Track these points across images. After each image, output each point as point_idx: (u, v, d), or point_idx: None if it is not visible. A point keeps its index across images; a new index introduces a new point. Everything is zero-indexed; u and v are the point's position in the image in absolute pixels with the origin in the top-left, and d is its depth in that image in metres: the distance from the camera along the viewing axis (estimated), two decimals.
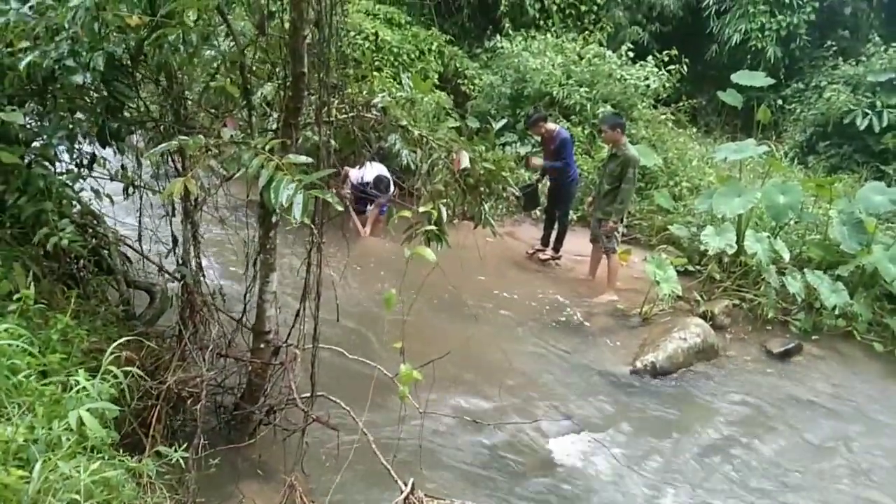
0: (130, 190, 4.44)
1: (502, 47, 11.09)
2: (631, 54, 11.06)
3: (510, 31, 11.65)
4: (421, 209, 3.45)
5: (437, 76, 10.50)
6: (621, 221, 7.28)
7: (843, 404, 5.90)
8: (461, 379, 5.47)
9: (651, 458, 4.88)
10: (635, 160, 7.09)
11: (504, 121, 10.31)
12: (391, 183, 7.92)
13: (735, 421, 5.47)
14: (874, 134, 11.49)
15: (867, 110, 11.59)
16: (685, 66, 10.94)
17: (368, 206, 8.32)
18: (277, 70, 3.75)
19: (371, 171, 7.81)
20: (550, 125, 8.04)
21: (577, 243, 8.38)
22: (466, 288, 7.07)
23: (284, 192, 2.69)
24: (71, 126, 3.82)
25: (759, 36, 13.16)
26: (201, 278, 4.32)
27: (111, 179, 4.47)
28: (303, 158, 2.92)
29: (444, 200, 3.65)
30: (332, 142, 3.92)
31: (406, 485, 3.46)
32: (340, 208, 2.88)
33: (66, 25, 3.31)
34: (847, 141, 11.95)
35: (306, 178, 2.75)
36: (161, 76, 3.86)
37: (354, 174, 7.75)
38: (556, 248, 8.32)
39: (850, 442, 5.34)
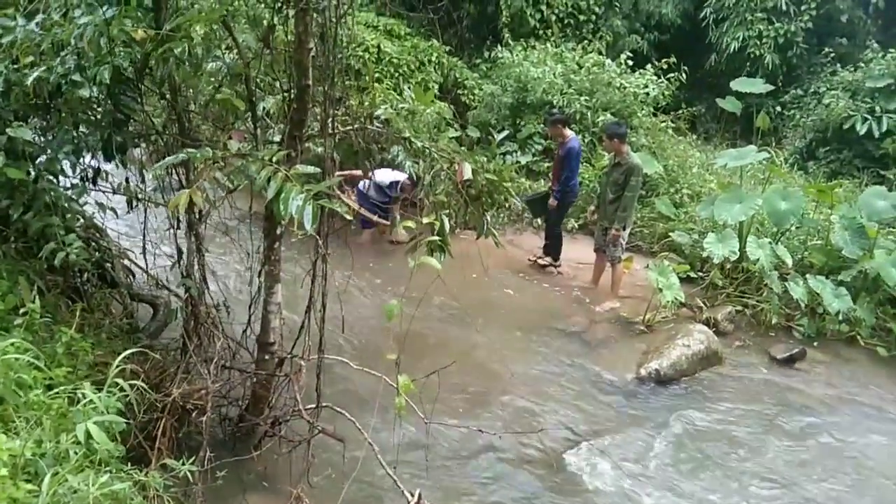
0: (134, 203, 4.46)
1: (503, 57, 11.14)
2: (630, 63, 11.10)
3: (510, 42, 11.70)
4: (424, 220, 3.46)
5: (437, 87, 10.54)
6: (624, 229, 7.28)
7: (847, 410, 5.88)
8: (465, 388, 5.46)
9: (655, 466, 4.87)
10: (639, 168, 7.10)
11: (505, 132, 10.35)
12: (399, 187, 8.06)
13: (739, 428, 5.44)
14: (874, 139, 11.51)
15: (866, 115, 11.61)
16: (684, 74, 10.99)
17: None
18: (281, 83, 3.77)
19: (391, 175, 7.96)
20: (567, 131, 8.02)
21: (579, 251, 8.40)
22: (469, 297, 7.08)
23: (294, 202, 2.70)
24: (76, 140, 3.85)
25: (757, 43, 13.21)
26: (205, 290, 4.33)
27: (114, 193, 4.49)
28: (310, 169, 2.93)
29: (447, 211, 3.66)
30: (336, 154, 3.94)
31: (412, 495, 3.45)
32: (349, 217, 2.90)
33: (73, 42, 3.34)
34: (847, 146, 11.97)
35: (314, 188, 2.76)
36: (165, 89, 3.89)
37: (381, 176, 7.83)
38: (553, 257, 8.29)
39: (854, 449, 5.31)
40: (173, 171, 4.28)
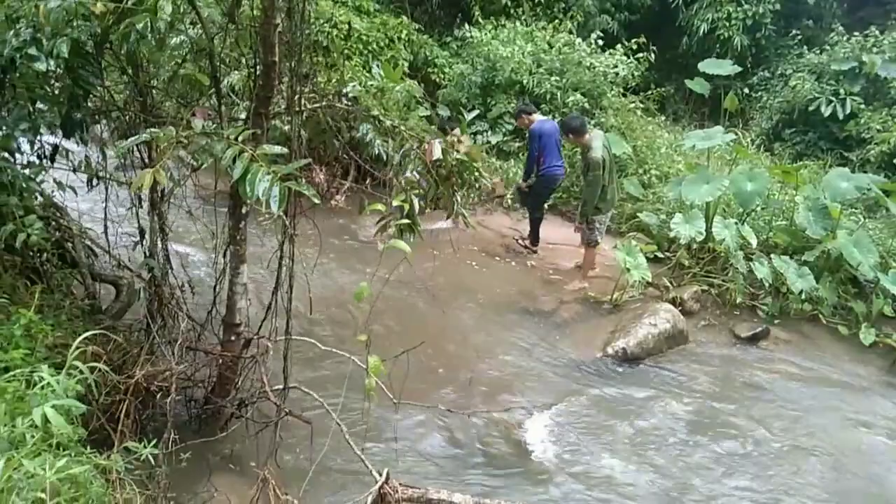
0: (94, 181, 4.34)
1: (472, 36, 11.05)
2: (600, 43, 11.09)
3: (480, 20, 11.61)
4: (393, 201, 3.43)
5: (406, 65, 10.43)
6: (586, 221, 7.35)
7: (809, 387, 6.01)
8: (435, 368, 5.47)
9: (622, 444, 4.94)
10: (595, 163, 7.08)
11: (475, 112, 10.31)
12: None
13: (704, 405, 5.54)
14: (838, 121, 11.71)
15: (831, 98, 11.79)
16: (653, 55, 11.01)
17: None
18: (246, 58, 3.69)
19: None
20: (533, 117, 8.08)
21: (549, 231, 8.43)
22: (439, 277, 7.07)
23: (260, 184, 2.66)
24: (33, 117, 3.72)
25: (726, 25, 13.31)
26: (169, 270, 4.25)
27: (74, 171, 4.37)
28: (276, 149, 2.88)
29: (417, 191, 3.63)
30: (303, 132, 3.87)
31: (380, 474, 3.45)
32: (317, 201, 2.85)
33: (29, 16, 3.22)
34: (812, 128, 12.16)
35: (282, 170, 2.71)
36: (127, 64, 3.77)
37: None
38: (532, 241, 8.34)
39: (815, 425, 5.43)
40: (136, 148, 4.18)
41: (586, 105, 10.19)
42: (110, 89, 4.06)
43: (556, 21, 11.81)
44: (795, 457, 4.98)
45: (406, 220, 3.36)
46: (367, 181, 8.52)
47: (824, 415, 5.57)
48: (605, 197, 7.31)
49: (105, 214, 4.53)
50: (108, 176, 4.43)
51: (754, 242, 7.28)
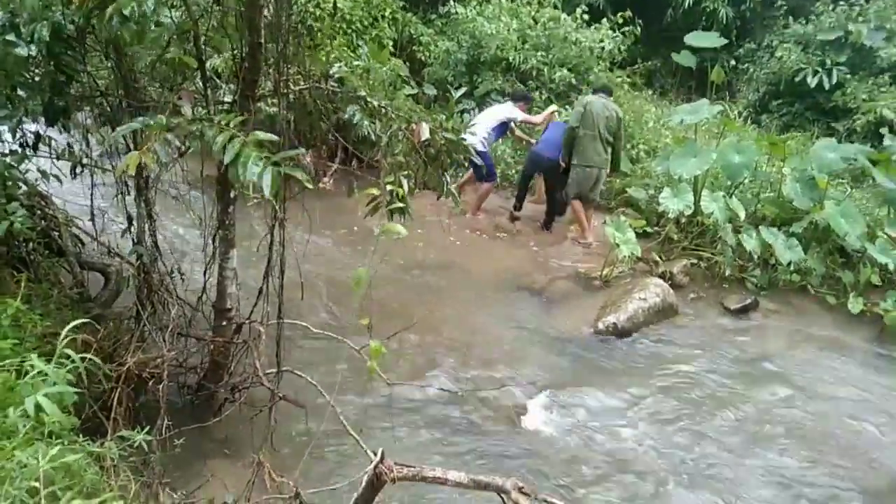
0: (79, 169, 4.29)
1: (456, 13, 10.95)
2: (586, 17, 11.01)
3: None
4: (384, 184, 3.40)
5: (391, 43, 10.33)
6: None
7: (799, 356, 6.07)
8: (428, 348, 5.48)
9: (614, 417, 4.97)
10: (574, 111, 7.79)
11: (463, 89, 10.25)
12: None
13: (695, 378, 5.58)
14: (824, 91, 11.70)
15: (817, 68, 11.78)
16: (639, 29, 10.95)
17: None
18: (231, 41, 3.63)
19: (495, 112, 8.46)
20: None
21: (537, 209, 8.45)
22: (431, 256, 7.07)
23: (252, 168, 2.63)
24: (14, 105, 3.67)
25: None
26: (158, 257, 4.22)
27: (58, 158, 4.32)
28: (269, 136, 2.84)
29: (406, 172, 3.60)
30: (289, 115, 3.83)
31: (375, 454, 3.46)
32: (309, 185, 2.82)
33: (6, 1, 3.16)
34: (798, 99, 12.16)
35: (275, 157, 2.69)
36: (110, 49, 3.71)
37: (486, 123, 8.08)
38: (515, 206, 8.52)
39: (808, 392, 5.49)
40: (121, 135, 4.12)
41: (573, 80, 10.16)
42: (93, 74, 3.99)
43: None
44: (791, 427, 5.03)
45: (398, 204, 3.33)
46: (354, 163, 8.49)
47: (817, 384, 5.63)
48: (577, 148, 7.68)
49: (91, 202, 4.49)
50: (92, 163, 4.38)
51: (742, 215, 7.31)
